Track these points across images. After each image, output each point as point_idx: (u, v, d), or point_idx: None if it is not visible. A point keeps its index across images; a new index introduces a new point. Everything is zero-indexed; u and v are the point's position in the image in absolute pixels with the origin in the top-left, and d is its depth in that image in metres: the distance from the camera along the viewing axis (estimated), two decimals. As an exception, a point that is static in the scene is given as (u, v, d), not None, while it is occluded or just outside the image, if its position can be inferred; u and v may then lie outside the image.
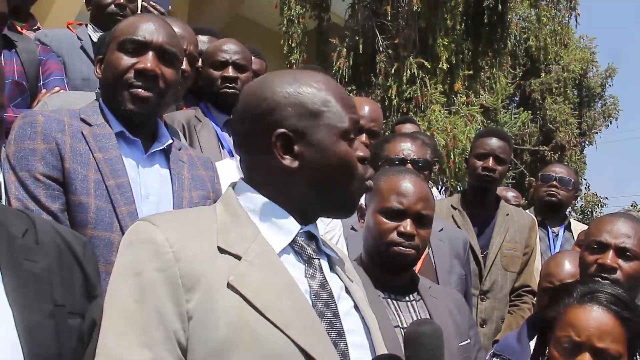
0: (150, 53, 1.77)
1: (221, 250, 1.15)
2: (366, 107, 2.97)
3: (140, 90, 1.75)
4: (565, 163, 12.87)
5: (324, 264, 1.28)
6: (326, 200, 1.26)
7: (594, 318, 1.70)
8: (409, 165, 2.57)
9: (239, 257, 1.15)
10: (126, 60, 1.76)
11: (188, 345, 1.10)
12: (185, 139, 2.63)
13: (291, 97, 1.23)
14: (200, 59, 2.86)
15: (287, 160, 1.21)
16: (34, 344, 1.02)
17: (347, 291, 1.30)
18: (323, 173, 1.22)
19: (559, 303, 1.79)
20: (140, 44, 1.77)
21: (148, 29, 1.79)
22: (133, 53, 1.77)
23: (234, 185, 1.30)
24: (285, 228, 1.23)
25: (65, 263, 1.16)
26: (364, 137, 2.94)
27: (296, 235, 1.24)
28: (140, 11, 3.11)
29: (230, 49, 2.79)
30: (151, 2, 3.03)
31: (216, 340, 1.08)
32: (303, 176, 1.22)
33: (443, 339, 1.25)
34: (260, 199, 1.25)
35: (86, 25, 3.08)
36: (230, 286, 1.11)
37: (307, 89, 1.24)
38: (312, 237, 1.28)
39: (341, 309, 1.23)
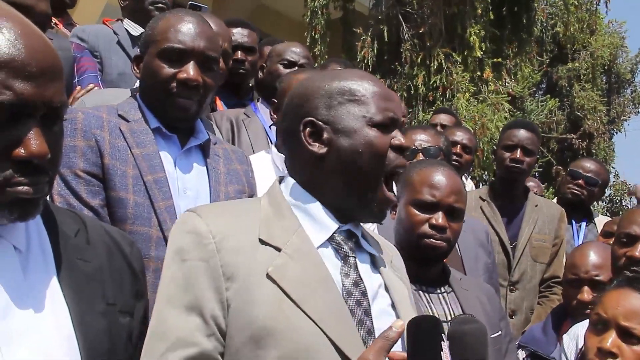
0: (192, 62, 1.78)
1: (262, 242, 1.21)
2: None
3: (182, 100, 1.78)
4: (594, 151, 12.70)
5: (363, 262, 1.31)
6: (355, 188, 1.27)
7: (624, 298, 1.73)
8: (421, 155, 2.59)
9: (279, 249, 1.20)
10: (168, 70, 1.78)
11: (227, 331, 1.15)
12: (233, 133, 2.74)
13: (320, 91, 1.30)
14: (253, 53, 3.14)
15: (316, 147, 1.27)
16: (89, 341, 1.06)
17: (387, 289, 1.32)
18: (350, 158, 1.26)
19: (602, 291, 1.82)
20: (182, 52, 1.78)
21: (188, 34, 1.79)
22: (175, 62, 1.78)
23: (281, 179, 1.35)
24: (324, 224, 1.27)
25: (115, 263, 1.18)
26: None
27: (335, 232, 1.27)
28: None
29: (299, 52, 2.98)
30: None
31: (254, 328, 1.13)
32: (331, 162, 1.27)
33: (487, 337, 1.25)
34: (302, 194, 1.30)
35: (121, 20, 3.11)
36: (269, 277, 1.16)
37: (336, 82, 1.30)
38: (352, 235, 1.31)
39: (376, 308, 1.26)
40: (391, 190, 1.31)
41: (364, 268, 1.30)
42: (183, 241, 1.20)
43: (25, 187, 0.98)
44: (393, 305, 1.30)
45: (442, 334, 1.09)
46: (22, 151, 0.96)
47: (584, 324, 2.18)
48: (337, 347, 1.15)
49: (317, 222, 1.27)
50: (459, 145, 3.79)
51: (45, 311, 1.03)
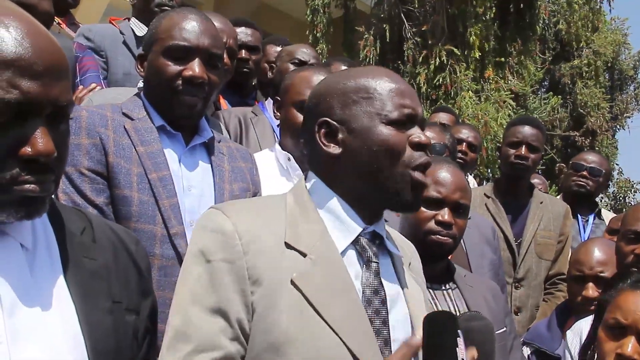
0: (197, 59, 1.78)
1: (288, 246, 1.19)
2: None
3: (188, 97, 1.78)
4: (597, 148, 12.67)
5: (385, 266, 1.29)
6: (374, 187, 1.24)
7: None
8: None
9: (304, 255, 1.19)
10: (173, 68, 1.78)
11: (250, 335, 1.14)
12: (241, 130, 2.75)
13: (336, 89, 1.28)
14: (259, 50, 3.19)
15: (331, 148, 1.25)
16: (95, 339, 1.05)
17: (405, 297, 1.30)
18: (364, 157, 1.23)
19: (614, 288, 1.79)
20: (187, 50, 1.78)
21: (193, 31, 1.79)
22: (179, 59, 1.78)
23: (305, 177, 1.34)
24: (349, 226, 1.25)
25: (121, 261, 1.18)
26: None
27: (359, 235, 1.26)
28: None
29: (309, 52, 3.01)
30: None
31: (275, 334, 1.12)
32: (347, 162, 1.25)
33: (494, 334, 1.24)
34: (328, 195, 1.27)
35: (128, 19, 3.10)
36: (293, 283, 1.15)
37: (352, 81, 1.28)
38: (376, 237, 1.29)
39: (393, 318, 1.24)
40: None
41: (386, 274, 1.28)
42: (208, 240, 1.18)
43: (32, 186, 0.98)
44: (410, 316, 1.28)
45: (458, 330, 1.09)
46: (29, 150, 0.96)
47: (587, 319, 2.17)
48: (357, 358, 1.14)
49: (342, 223, 1.25)
50: (464, 143, 3.79)
51: (52, 309, 1.03)
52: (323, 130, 1.27)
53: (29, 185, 0.97)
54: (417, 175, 1.24)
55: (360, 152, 1.23)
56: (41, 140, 0.96)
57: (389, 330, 1.22)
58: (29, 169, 0.97)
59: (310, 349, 1.12)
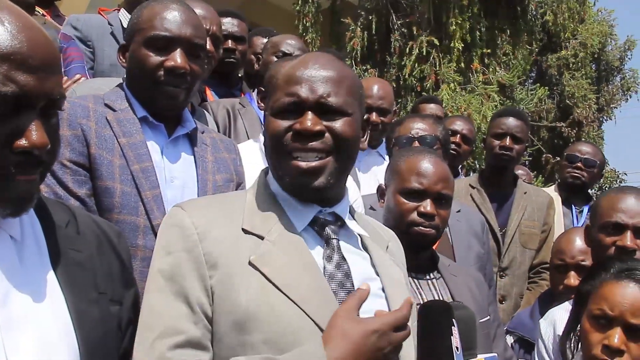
0: (179, 49, 1.77)
1: (245, 232, 1.23)
2: (374, 87, 3.12)
3: (170, 88, 1.78)
4: (583, 139, 12.73)
5: (350, 244, 1.32)
6: (279, 176, 1.30)
7: (630, 294, 1.70)
8: (417, 143, 2.59)
9: (262, 237, 1.23)
10: (154, 58, 1.77)
11: (213, 317, 1.17)
12: (229, 121, 2.77)
13: None
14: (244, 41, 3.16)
15: (262, 142, 1.39)
16: (85, 329, 1.08)
17: (377, 273, 1.32)
18: (266, 150, 1.32)
19: (595, 278, 1.80)
20: (168, 40, 1.77)
21: (174, 21, 1.78)
22: (161, 50, 1.77)
23: (266, 171, 1.37)
24: (303, 209, 1.29)
25: (104, 253, 1.21)
26: (374, 115, 3.02)
27: (318, 216, 1.29)
28: None
29: (294, 44, 2.98)
30: None
31: (238, 314, 1.15)
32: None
33: (476, 324, 1.25)
34: (278, 183, 1.32)
35: (118, 10, 3.08)
36: (251, 264, 1.19)
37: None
38: (338, 218, 1.32)
39: None
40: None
41: (351, 250, 1.31)
42: (168, 235, 1.24)
43: (24, 183, 1.00)
44: (383, 289, 1.30)
45: (453, 319, 1.10)
46: (24, 142, 0.98)
47: (560, 307, 2.18)
48: (321, 329, 1.16)
49: (296, 208, 1.29)
50: (458, 135, 3.79)
51: (43, 299, 1.05)
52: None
53: (22, 177, 1.00)
54: (294, 162, 1.24)
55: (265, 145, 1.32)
56: (35, 133, 0.99)
57: None
58: (22, 164, 0.99)
59: (273, 324, 1.15)
